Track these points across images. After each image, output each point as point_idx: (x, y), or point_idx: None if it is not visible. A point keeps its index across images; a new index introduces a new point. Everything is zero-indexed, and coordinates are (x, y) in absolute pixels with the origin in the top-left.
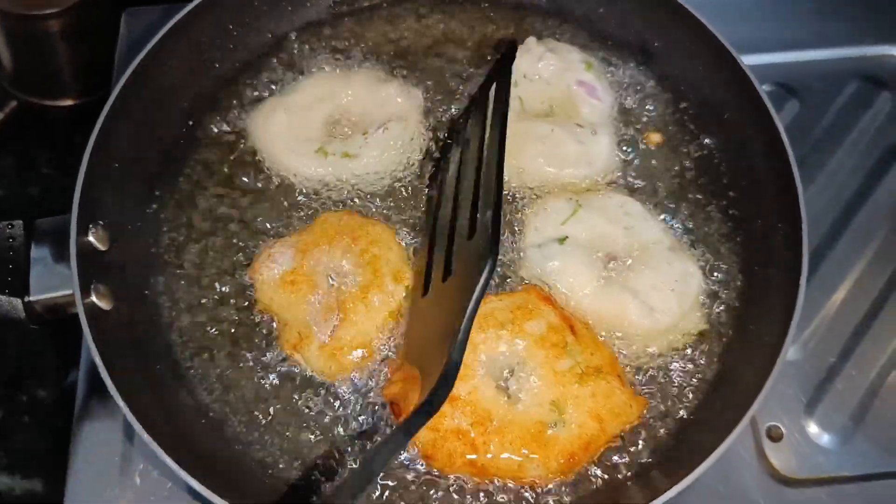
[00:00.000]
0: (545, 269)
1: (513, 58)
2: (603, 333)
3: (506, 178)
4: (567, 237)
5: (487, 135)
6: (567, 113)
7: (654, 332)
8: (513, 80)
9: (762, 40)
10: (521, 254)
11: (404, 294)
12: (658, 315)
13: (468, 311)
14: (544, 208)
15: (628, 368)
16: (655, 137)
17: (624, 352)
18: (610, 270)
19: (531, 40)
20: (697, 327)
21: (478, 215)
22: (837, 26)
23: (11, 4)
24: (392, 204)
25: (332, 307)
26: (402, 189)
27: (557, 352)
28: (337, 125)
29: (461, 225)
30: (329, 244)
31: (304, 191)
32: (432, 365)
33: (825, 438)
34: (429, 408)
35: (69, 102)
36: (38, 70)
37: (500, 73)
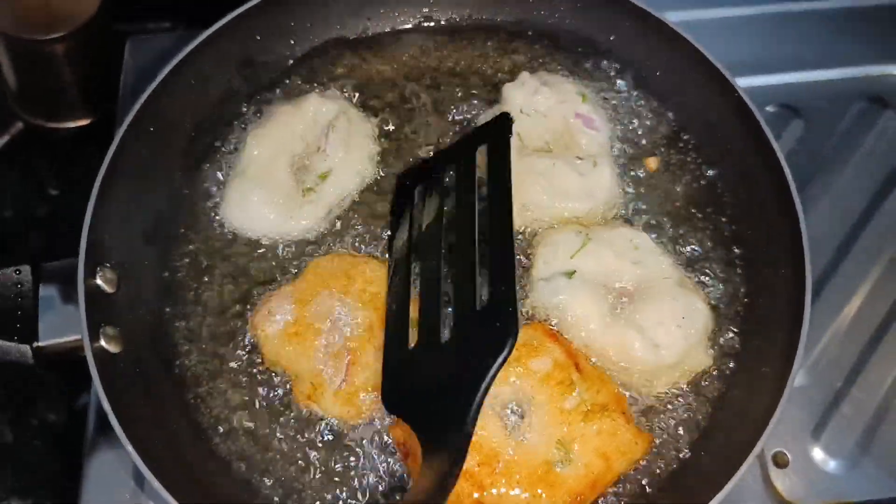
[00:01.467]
0: (552, 302)
1: (509, 130)
2: (610, 368)
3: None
4: (575, 271)
5: (488, 201)
6: (566, 145)
7: (659, 369)
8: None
9: (766, 61)
10: (529, 287)
11: None
12: (663, 351)
13: (483, 386)
14: (553, 241)
15: (632, 403)
16: (652, 163)
17: (628, 388)
18: (617, 305)
19: (524, 75)
20: (702, 364)
21: (481, 286)
22: (842, 46)
23: (16, 29)
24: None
25: (340, 352)
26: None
27: (563, 389)
28: (298, 168)
29: (461, 290)
30: (326, 289)
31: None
32: (430, 427)
33: (832, 464)
34: (446, 483)
35: (74, 124)
36: (42, 92)
37: (496, 143)
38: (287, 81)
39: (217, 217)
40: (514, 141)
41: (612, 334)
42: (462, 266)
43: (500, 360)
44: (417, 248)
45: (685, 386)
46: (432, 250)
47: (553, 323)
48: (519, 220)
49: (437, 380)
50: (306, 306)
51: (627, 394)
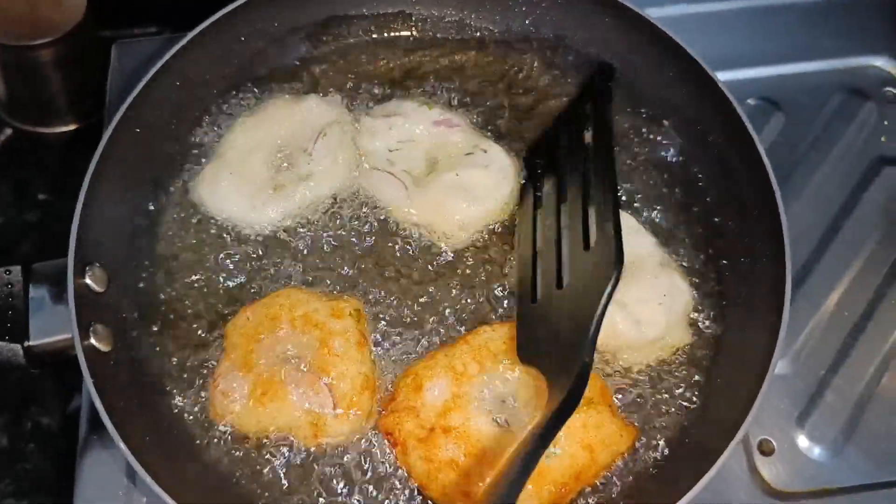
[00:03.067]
0: None
1: (611, 77)
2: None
3: (442, 246)
4: None
5: (592, 148)
6: (450, 154)
7: (640, 344)
8: (379, 158)
9: (746, 55)
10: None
11: (353, 321)
12: (644, 328)
13: (597, 315)
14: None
15: (615, 389)
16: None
17: (611, 371)
18: None
19: (365, 119)
20: (683, 341)
21: (590, 228)
22: (821, 39)
23: (3, 36)
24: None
25: (312, 380)
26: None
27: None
28: (277, 163)
29: (573, 237)
30: (258, 341)
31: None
32: (555, 365)
33: (816, 451)
34: (567, 407)
35: (63, 129)
36: (31, 98)
37: (599, 91)
38: (273, 85)
39: (205, 213)
40: (406, 179)
41: None
42: (574, 215)
43: (608, 289)
44: (540, 209)
45: (667, 369)
46: (551, 209)
47: None
48: (459, 244)
49: (559, 323)
50: (253, 367)
51: (609, 373)
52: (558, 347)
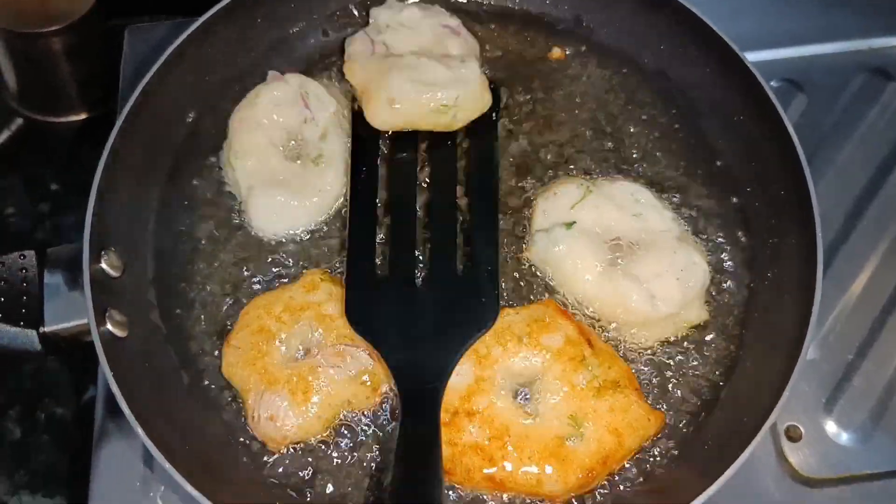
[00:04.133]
0: (551, 253)
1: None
2: (607, 318)
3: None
4: (575, 222)
5: (473, 161)
6: (434, 51)
7: (655, 321)
8: (376, 28)
9: (768, 36)
10: (528, 238)
11: (329, 284)
12: (659, 303)
13: (457, 357)
14: (554, 192)
15: (642, 374)
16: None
17: (625, 349)
18: (615, 257)
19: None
20: (699, 318)
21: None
22: (843, 19)
23: (13, 23)
24: None
25: (335, 352)
26: None
27: (575, 365)
28: (293, 148)
29: (441, 246)
30: (268, 345)
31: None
32: (401, 360)
33: (844, 437)
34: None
35: (74, 118)
36: (41, 88)
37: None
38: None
39: (222, 198)
40: (379, 49)
41: (609, 285)
42: (443, 221)
43: (478, 335)
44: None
45: (692, 353)
46: (408, 189)
47: (549, 275)
48: (387, 116)
49: (412, 321)
50: (278, 379)
51: (636, 370)
52: (408, 349)
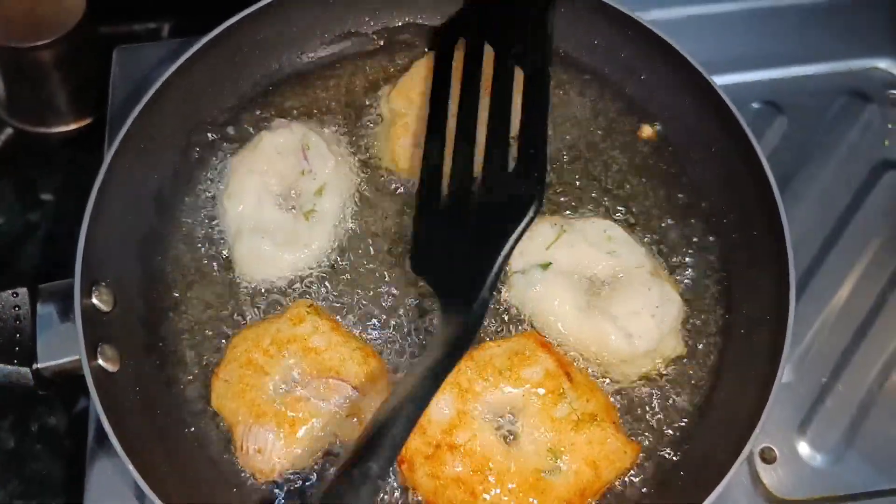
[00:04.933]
0: (528, 295)
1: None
2: (586, 356)
3: None
4: (550, 263)
5: (528, 68)
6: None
7: (634, 357)
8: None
9: (749, 58)
10: (506, 280)
11: (314, 316)
12: (636, 340)
13: (503, 254)
14: (528, 234)
15: (618, 401)
16: (647, 130)
17: (605, 385)
18: (591, 295)
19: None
20: (675, 351)
21: (513, 149)
22: (822, 41)
23: (2, 37)
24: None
25: (321, 385)
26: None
27: (554, 399)
28: (288, 198)
29: (495, 150)
30: (255, 378)
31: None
32: (450, 287)
33: (818, 459)
34: (461, 345)
35: (65, 129)
36: (32, 99)
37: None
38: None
39: (212, 233)
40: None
41: (587, 324)
42: (497, 127)
43: (520, 226)
44: (456, 105)
45: (665, 383)
46: (469, 108)
47: (528, 315)
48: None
49: (463, 242)
50: (265, 412)
51: (615, 400)
52: (458, 272)
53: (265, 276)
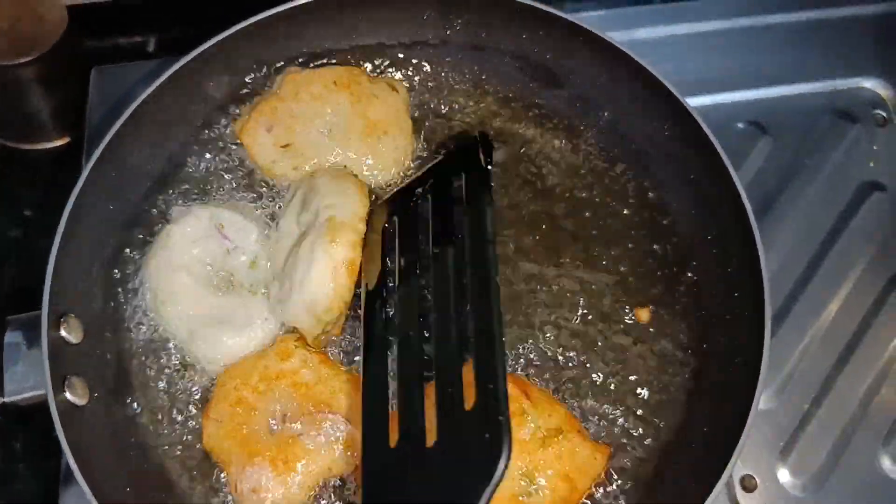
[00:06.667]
0: None
1: (480, 150)
2: None
3: None
4: None
5: (469, 264)
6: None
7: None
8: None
9: (733, 78)
10: None
11: (302, 350)
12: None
13: None
14: None
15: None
16: (643, 314)
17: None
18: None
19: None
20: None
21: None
22: (809, 61)
23: None
24: None
25: (314, 420)
26: None
27: (517, 420)
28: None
29: (445, 387)
30: (247, 416)
31: None
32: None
33: (799, 486)
34: None
35: (48, 145)
36: (14, 115)
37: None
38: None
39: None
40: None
41: None
42: (445, 357)
43: (491, 484)
44: (395, 319)
45: (647, 424)
46: (411, 325)
47: None
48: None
49: (425, 491)
50: (259, 451)
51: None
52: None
53: (233, 359)
